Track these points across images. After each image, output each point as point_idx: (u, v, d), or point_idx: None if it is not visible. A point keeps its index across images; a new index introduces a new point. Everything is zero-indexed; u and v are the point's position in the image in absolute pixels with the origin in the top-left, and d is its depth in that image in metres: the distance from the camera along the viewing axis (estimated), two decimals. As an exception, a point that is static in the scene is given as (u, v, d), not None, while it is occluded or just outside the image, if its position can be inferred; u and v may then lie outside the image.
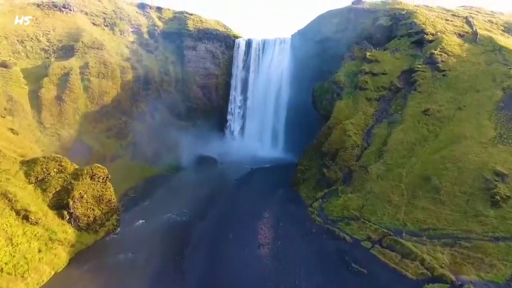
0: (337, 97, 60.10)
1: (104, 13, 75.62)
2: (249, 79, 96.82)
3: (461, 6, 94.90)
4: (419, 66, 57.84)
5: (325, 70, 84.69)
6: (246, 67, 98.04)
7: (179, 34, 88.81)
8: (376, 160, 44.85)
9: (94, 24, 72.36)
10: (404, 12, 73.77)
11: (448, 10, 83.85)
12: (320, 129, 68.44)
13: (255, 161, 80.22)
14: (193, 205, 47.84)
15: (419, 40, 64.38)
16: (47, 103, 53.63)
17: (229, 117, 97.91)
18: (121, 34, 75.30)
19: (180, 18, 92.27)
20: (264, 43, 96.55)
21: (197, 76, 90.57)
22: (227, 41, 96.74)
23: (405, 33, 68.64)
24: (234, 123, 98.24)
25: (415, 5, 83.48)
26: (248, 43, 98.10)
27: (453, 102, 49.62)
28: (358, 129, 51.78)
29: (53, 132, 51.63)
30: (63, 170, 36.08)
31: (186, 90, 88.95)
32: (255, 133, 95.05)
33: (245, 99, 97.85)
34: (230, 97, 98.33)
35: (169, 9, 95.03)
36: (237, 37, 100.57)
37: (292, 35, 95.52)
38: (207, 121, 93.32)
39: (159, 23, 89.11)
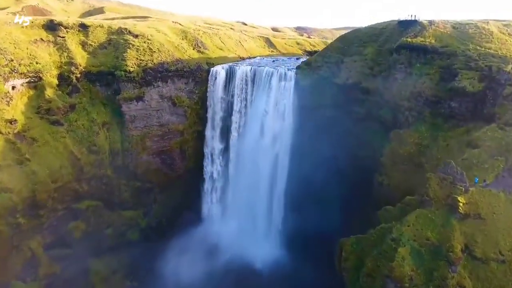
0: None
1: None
2: (232, 128, 64.00)
3: None
4: None
5: (355, 134, 53.80)
6: (228, 110, 64.65)
7: (114, 75, 54.28)
8: None
9: None
10: (508, 69, 39.29)
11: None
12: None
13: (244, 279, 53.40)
14: None
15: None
16: None
17: (203, 188, 66.41)
18: (-9, 104, 41.70)
19: (117, 43, 56.65)
20: (254, 74, 62.08)
21: (148, 140, 57.42)
22: (196, 74, 61.99)
23: (517, 119, 35.68)
24: (211, 197, 66.91)
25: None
26: (231, 73, 63.68)
27: None
28: None
29: None
30: None
31: (131, 164, 56.41)
32: (242, 212, 64.22)
33: (226, 160, 65.73)
34: (205, 158, 66.00)
35: (101, 26, 58.67)
36: (212, 61, 65.56)
37: (297, 67, 60.68)
38: (168, 202, 61.99)
39: (81, 57, 54.07)
